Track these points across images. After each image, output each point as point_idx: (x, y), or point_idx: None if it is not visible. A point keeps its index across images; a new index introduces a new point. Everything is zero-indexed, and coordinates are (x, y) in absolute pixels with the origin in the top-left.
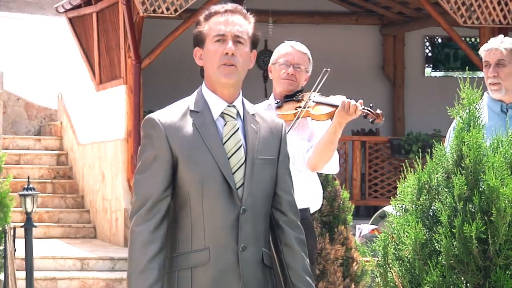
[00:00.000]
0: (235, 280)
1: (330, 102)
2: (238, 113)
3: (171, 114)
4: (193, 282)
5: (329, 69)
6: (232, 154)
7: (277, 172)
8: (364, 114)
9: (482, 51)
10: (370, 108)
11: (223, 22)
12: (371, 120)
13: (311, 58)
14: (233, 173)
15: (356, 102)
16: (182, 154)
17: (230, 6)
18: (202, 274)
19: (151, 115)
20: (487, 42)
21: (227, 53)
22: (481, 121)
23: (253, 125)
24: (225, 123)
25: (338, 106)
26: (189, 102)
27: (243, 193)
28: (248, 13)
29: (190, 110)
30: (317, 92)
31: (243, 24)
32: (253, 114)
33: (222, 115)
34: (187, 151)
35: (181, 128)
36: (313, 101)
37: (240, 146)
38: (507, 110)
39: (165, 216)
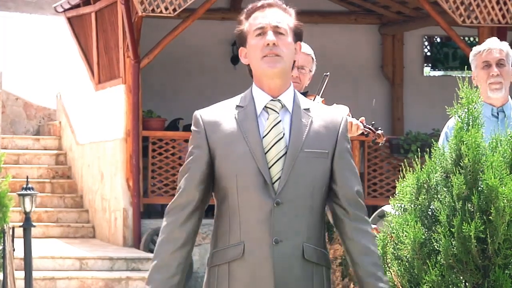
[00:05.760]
0: (269, 274)
1: None
2: (284, 107)
3: (215, 109)
4: (230, 276)
5: (328, 73)
6: (271, 147)
7: (333, 167)
8: (366, 133)
9: (478, 52)
10: (372, 126)
11: (262, 16)
12: (372, 139)
13: (314, 57)
14: (271, 166)
15: (358, 120)
16: (220, 148)
17: (268, 1)
18: (238, 268)
19: (196, 111)
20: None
21: (268, 44)
22: (480, 120)
23: (303, 119)
24: (268, 117)
25: None
26: (238, 98)
27: (278, 186)
28: (288, 6)
29: (236, 105)
30: (321, 97)
31: (282, 16)
32: (306, 109)
33: (266, 109)
34: (225, 145)
35: (222, 123)
36: None
37: (280, 138)
38: (498, 114)
39: (196, 210)
